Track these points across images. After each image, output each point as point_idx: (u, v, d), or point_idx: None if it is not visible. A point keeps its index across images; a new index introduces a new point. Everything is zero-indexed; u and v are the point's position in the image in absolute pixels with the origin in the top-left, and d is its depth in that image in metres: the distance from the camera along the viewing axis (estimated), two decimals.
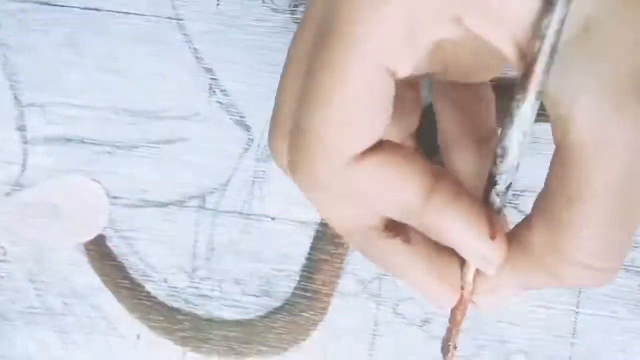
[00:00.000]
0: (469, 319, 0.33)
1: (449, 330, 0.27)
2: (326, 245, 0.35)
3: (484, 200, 0.24)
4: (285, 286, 0.35)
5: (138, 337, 0.36)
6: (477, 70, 0.24)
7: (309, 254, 0.35)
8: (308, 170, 0.23)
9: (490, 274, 0.25)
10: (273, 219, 0.35)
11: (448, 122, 0.28)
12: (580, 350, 0.34)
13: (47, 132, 0.35)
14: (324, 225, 0.35)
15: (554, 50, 0.21)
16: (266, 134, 0.34)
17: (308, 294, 0.35)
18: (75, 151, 0.35)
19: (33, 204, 0.36)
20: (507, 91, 0.23)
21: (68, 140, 0.35)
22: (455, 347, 0.27)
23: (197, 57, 0.34)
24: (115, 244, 0.36)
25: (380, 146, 0.23)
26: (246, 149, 0.35)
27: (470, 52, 0.24)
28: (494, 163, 0.23)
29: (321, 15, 0.23)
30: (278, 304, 0.35)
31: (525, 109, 0.22)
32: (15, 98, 0.35)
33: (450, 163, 0.29)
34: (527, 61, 0.22)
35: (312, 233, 0.35)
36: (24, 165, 0.36)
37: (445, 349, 0.28)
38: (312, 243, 0.35)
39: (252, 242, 0.35)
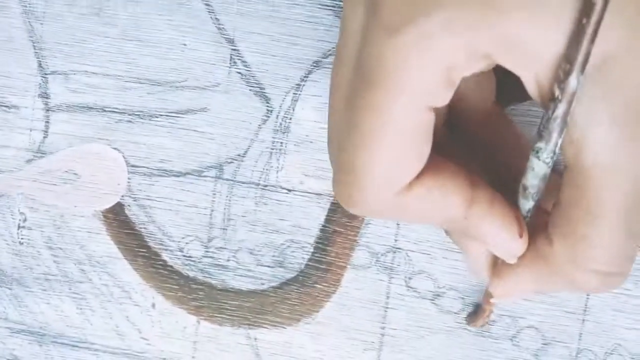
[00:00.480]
0: (482, 294, 0.34)
1: (483, 312, 0.33)
2: (341, 217, 0.35)
3: (514, 201, 0.27)
4: (299, 258, 0.36)
5: (153, 305, 0.36)
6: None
7: (324, 226, 0.35)
8: (361, 204, 0.25)
9: (511, 262, 0.29)
10: (289, 190, 0.35)
11: (460, 102, 0.29)
12: (591, 327, 0.34)
13: (70, 100, 0.36)
14: None
15: (573, 100, 0.23)
16: (285, 105, 0.34)
17: (322, 266, 0.35)
18: (96, 119, 0.36)
19: (53, 171, 0.36)
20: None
21: (90, 108, 0.36)
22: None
23: (219, 28, 0.35)
24: (133, 213, 0.36)
25: (425, 171, 0.25)
26: (265, 121, 0.35)
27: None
28: (526, 176, 0.26)
29: (357, 54, 0.24)
30: (292, 275, 0.36)
31: (552, 141, 0.24)
32: (40, 66, 0.36)
33: (470, 138, 0.30)
34: (549, 106, 0.24)
35: (327, 205, 0.35)
36: (45, 133, 0.36)
37: (473, 319, 0.34)
38: (327, 215, 0.35)
39: (267, 213, 0.36)
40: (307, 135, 0.35)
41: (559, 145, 0.24)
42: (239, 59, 0.35)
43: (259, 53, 0.35)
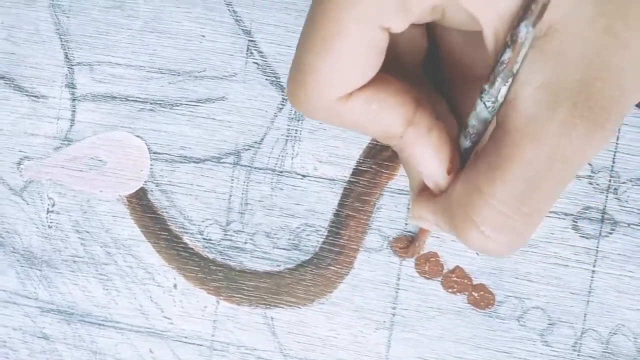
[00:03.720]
0: (490, 276, 0.35)
1: (415, 241, 0.34)
2: (353, 202, 0.36)
3: (456, 138, 0.28)
4: (314, 241, 0.37)
5: (175, 286, 0.38)
6: (470, 25, 0.26)
7: (337, 210, 0.37)
8: (304, 103, 0.26)
9: (434, 191, 0.29)
10: (304, 176, 0.37)
11: (447, 60, 0.30)
12: (595, 308, 0.35)
13: (95, 89, 0.38)
14: (351, 182, 0.36)
15: (520, 51, 0.24)
16: None
17: (335, 249, 0.37)
18: (120, 108, 0.38)
19: (80, 158, 0.38)
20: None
21: (114, 97, 0.38)
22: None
23: (236, 20, 0.36)
24: (155, 197, 0.38)
25: (370, 84, 0.26)
26: (280, 109, 0.37)
27: (460, 16, 0.26)
28: (470, 115, 0.27)
29: None
30: (306, 258, 0.37)
31: (496, 88, 0.25)
32: (66, 57, 0.38)
33: (451, 93, 0.31)
34: (497, 54, 0.25)
35: (340, 190, 0.37)
36: (72, 121, 0.38)
37: (410, 251, 0.35)
38: (340, 200, 0.37)
39: (283, 198, 0.37)
40: (320, 123, 0.36)
41: (501, 93, 0.25)
42: (255, 50, 0.36)
43: (274, 44, 0.36)
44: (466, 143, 0.28)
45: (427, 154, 0.28)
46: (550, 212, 0.35)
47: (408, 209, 0.32)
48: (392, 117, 0.27)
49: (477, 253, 0.36)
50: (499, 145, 0.25)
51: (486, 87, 0.25)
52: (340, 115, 0.26)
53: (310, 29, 0.25)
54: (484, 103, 0.26)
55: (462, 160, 0.28)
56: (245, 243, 0.37)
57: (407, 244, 0.36)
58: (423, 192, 0.29)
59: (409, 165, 0.29)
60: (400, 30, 0.25)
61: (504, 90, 0.25)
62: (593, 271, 0.35)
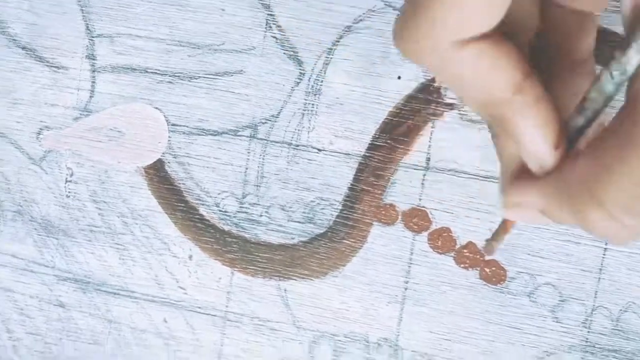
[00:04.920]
0: (502, 252, 0.35)
1: (498, 234, 0.29)
2: (368, 177, 0.37)
3: (569, 115, 0.26)
4: (328, 214, 0.37)
5: (190, 257, 0.39)
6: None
7: (352, 185, 0.37)
8: (414, 45, 0.24)
9: (536, 172, 0.26)
10: (319, 150, 0.37)
11: (551, 40, 0.29)
12: (606, 285, 0.35)
13: (115, 61, 0.38)
14: (366, 157, 0.37)
15: None
16: (317, 69, 0.36)
17: (349, 223, 0.37)
18: (139, 80, 0.38)
19: (99, 128, 0.39)
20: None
21: (133, 69, 0.38)
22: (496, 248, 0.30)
23: None
24: (172, 169, 0.38)
25: (484, 37, 0.24)
26: (297, 83, 0.37)
27: None
28: (589, 88, 0.25)
29: None
30: (321, 231, 0.38)
31: (628, 57, 0.23)
32: (87, 29, 0.38)
33: (550, 79, 0.29)
34: (635, 18, 0.22)
35: (355, 165, 0.37)
36: (92, 92, 0.39)
37: (489, 247, 0.30)
38: (355, 175, 0.37)
39: (298, 171, 0.37)
40: (337, 98, 0.37)
41: (632, 63, 0.23)
42: (274, 24, 0.37)
43: (293, 18, 0.37)
44: (579, 120, 0.25)
45: (532, 127, 0.25)
46: None
47: (498, 198, 0.28)
48: (501, 77, 0.25)
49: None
50: (633, 122, 0.23)
51: (616, 54, 0.23)
52: (449, 64, 0.24)
53: None
54: (611, 73, 0.23)
55: (570, 141, 0.26)
56: (261, 216, 0.38)
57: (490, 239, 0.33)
58: (522, 176, 0.27)
59: (505, 143, 0.27)
60: None
61: (636, 60, 0.23)
62: (605, 249, 0.35)
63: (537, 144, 0.25)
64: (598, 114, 0.25)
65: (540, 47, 0.29)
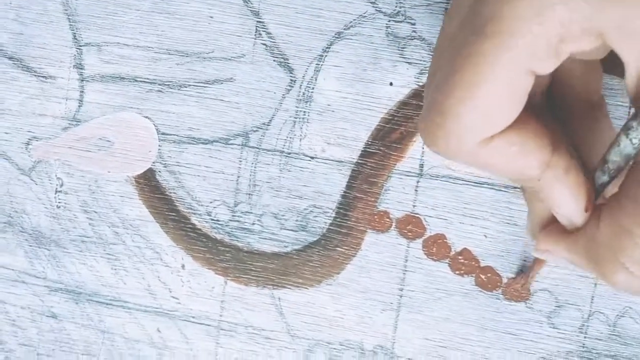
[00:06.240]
0: (497, 258, 0.35)
1: (533, 269, 0.34)
2: (361, 184, 0.37)
3: (591, 172, 0.28)
4: (322, 222, 0.37)
5: (183, 266, 0.38)
6: (597, 55, 0.26)
7: (345, 192, 0.37)
8: (444, 146, 0.26)
9: (566, 226, 0.29)
10: (312, 158, 0.37)
11: (563, 88, 0.30)
12: (603, 290, 0.35)
13: (103, 70, 0.38)
14: (359, 164, 0.36)
15: None
16: (308, 76, 0.36)
17: (343, 230, 0.37)
18: (128, 89, 0.38)
19: (88, 138, 0.38)
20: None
21: (122, 78, 0.38)
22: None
23: (244, 0, 0.36)
24: (163, 178, 0.38)
25: (510, 127, 0.26)
26: (288, 90, 0.36)
27: (597, 52, 0.26)
28: (610, 150, 0.27)
29: (473, 2, 0.25)
30: (314, 239, 0.37)
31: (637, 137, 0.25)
32: (74, 38, 0.38)
33: (569, 119, 0.31)
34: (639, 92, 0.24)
35: (348, 172, 0.37)
36: (80, 102, 0.38)
37: (526, 282, 0.35)
38: (348, 182, 0.37)
39: (291, 179, 0.37)
40: (329, 105, 0.36)
41: None
42: (263, 31, 0.36)
43: (283, 25, 0.36)
44: (603, 178, 0.28)
45: (564, 195, 0.27)
46: None
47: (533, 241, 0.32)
48: (531, 160, 0.26)
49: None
50: None
51: (634, 124, 0.25)
52: (479, 158, 0.26)
53: (452, 73, 0.25)
54: (630, 140, 0.25)
55: (596, 195, 0.28)
56: (253, 224, 0.38)
57: (516, 277, 0.36)
58: (553, 227, 0.30)
59: (536, 202, 0.29)
60: (546, 73, 0.25)
61: None
62: None
63: (570, 209, 0.28)
64: (620, 171, 0.27)
65: (554, 90, 0.30)
